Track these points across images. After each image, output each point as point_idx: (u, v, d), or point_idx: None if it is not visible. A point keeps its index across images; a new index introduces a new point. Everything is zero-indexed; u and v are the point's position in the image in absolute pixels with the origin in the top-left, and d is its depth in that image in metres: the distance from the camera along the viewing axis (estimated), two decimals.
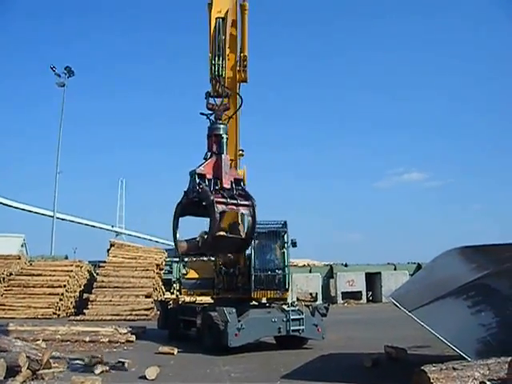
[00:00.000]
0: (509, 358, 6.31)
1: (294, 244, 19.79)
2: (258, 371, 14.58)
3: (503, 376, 6.32)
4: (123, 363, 14.98)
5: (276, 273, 19.58)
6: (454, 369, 6.69)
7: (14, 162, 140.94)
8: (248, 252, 19.72)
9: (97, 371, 13.81)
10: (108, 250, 37.58)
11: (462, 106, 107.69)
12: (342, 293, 44.30)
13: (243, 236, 12.59)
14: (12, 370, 12.08)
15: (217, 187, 12.90)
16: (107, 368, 14.26)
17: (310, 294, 41.60)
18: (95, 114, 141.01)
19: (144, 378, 13.19)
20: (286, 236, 19.83)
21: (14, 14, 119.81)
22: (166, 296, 30.49)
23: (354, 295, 44.72)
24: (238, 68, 18.62)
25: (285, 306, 18.45)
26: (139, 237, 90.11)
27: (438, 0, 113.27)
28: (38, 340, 18.77)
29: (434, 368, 6.69)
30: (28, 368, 12.70)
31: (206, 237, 12.67)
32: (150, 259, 36.24)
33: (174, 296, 23.84)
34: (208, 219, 13.16)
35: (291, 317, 18.02)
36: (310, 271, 44.86)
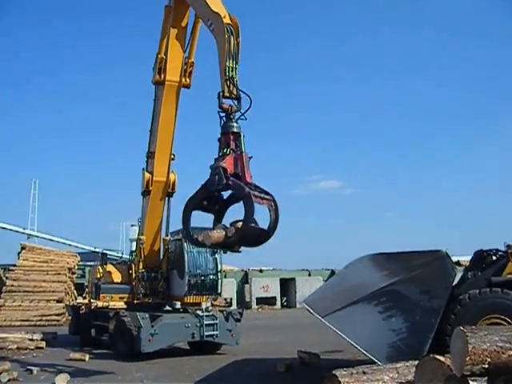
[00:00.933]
0: (416, 362, 6.46)
1: (225, 251, 19.69)
2: (171, 377, 14.47)
3: (411, 379, 6.47)
4: (32, 371, 14.60)
5: (208, 278, 19.55)
6: (364, 373, 6.81)
7: None
8: (172, 257, 19.98)
9: (4, 379, 13.38)
10: (19, 253, 36.39)
11: (376, 115, 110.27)
12: (257, 298, 44.60)
13: (267, 229, 12.57)
14: None
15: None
16: (15, 376, 13.78)
17: (225, 299, 41.53)
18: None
19: None
20: None
21: None
22: (78, 301, 29.81)
23: (269, 301, 45.07)
24: (183, 73, 18.85)
25: (199, 312, 18.37)
26: (52, 240, 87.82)
27: None
28: None
29: (344, 372, 6.79)
30: None
31: (238, 227, 12.47)
32: (63, 263, 35.38)
33: (86, 301, 23.31)
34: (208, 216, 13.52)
35: (205, 322, 17.99)
36: (225, 276, 44.82)
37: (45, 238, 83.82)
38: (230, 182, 12.53)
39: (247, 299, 44.84)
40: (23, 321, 29.62)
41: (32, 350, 19.20)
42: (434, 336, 11.84)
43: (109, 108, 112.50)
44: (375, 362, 10.67)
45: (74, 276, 36.51)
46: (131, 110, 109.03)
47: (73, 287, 35.34)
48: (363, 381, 6.72)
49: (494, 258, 14.24)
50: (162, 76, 18.71)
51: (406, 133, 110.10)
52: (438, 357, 6.21)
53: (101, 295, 20.65)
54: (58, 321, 30.00)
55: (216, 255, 19.72)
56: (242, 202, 12.54)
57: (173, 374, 14.98)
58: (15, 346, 19.26)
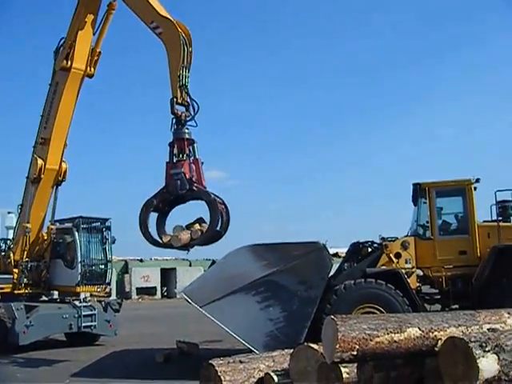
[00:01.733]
0: (292, 350, 6.68)
1: (113, 241, 19.66)
2: (47, 370, 14.19)
3: (287, 367, 6.67)
4: None
5: (99, 267, 19.27)
6: (241, 362, 6.94)
7: None
8: (57, 246, 19.51)
9: None
10: None
11: (259, 109, 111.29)
12: (137, 288, 44.19)
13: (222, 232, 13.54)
14: None
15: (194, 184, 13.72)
16: None
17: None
18: None
19: None
20: (107, 232, 19.56)
21: None
22: None
23: (149, 291, 44.78)
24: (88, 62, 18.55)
25: (77, 302, 18.03)
26: None
27: None
28: None
29: (221, 361, 6.89)
30: None
31: (204, 230, 13.30)
32: None
33: None
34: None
35: (83, 313, 17.72)
36: None
37: None
38: (195, 188, 13.43)
39: (127, 289, 44.32)
40: None
41: None
42: (310, 325, 12.23)
43: None
44: (253, 351, 10.90)
45: None
46: None
47: None
48: (240, 370, 6.85)
49: (370, 249, 14.88)
50: (69, 63, 18.26)
51: (287, 127, 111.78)
52: (312, 345, 6.44)
53: None
54: None
55: (105, 245, 19.48)
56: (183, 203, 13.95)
57: (48, 366, 14.66)
58: None
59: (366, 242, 15.15)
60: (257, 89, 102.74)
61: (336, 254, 31.53)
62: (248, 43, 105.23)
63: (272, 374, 6.74)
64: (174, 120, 14.11)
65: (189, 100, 14.25)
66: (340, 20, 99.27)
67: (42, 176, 19.03)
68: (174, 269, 46.00)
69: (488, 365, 4.42)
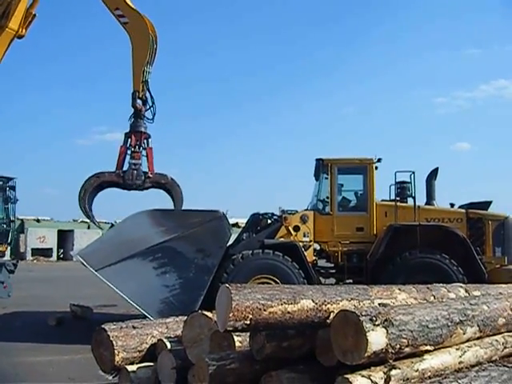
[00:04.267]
0: (185, 318, 6.68)
1: (15, 201, 19.58)
2: None
3: (180, 334, 6.68)
4: None
5: (1, 227, 19.26)
6: (134, 327, 6.88)
7: None
8: None
9: None
10: None
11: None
12: (32, 249, 43.18)
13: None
14: None
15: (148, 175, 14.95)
16: None
17: None
18: None
19: None
20: (10, 192, 19.48)
21: None
22: None
23: (45, 252, 43.91)
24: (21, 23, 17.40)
25: None
26: None
27: None
28: None
29: (113, 326, 6.81)
30: None
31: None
32: None
33: None
34: None
35: None
36: None
37: None
38: (150, 175, 14.81)
39: (22, 250, 43.20)
40: None
41: None
42: (206, 293, 12.28)
43: None
44: (147, 317, 10.85)
45: None
46: None
47: None
48: (133, 335, 6.80)
49: (269, 221, 15.04)
50: (4, 21, 17.32)
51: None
52: (206, 313, 6.46)
53: None
54: None
55: (8, 205, 19.30)
56: None
57: None
58: None
59: (266, 213, 15.31)
60: None
61: (236, 224, 31.78)
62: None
63: (165, 340, 6.74)
64: (133, 112, 15.06)
65: (148, 95, 15.15)
66: None
67: None
68: (72, 231, 45.24)
69: (377, 338, 4.53)
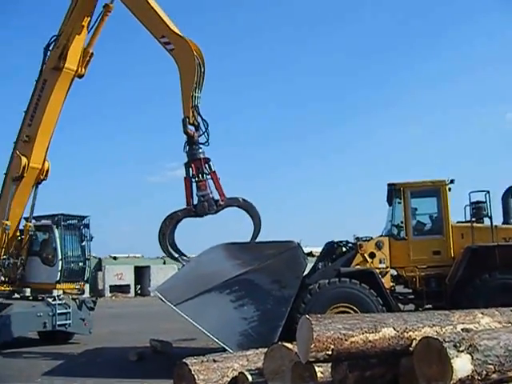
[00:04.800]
0: (266, 349, 6.67)
1: (91, 238, 19.74)
2: (18, 369, 14.07)
3: (261, 366, 6.66)
4: None
5: (78, 265, 19.32)
6: (215, 361, 6.93)
7: None
8: (35, 243, 19.39)
9: None
10: None
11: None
12: (110, 286, 43.97)
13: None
14: None
15: (219, 202, 14.72)
16: None
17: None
18: None
19: None
20: (85, 230, 19.66)
21: None
22: None
23: (123, 288, 44.59)
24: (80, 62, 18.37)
25: (50, 300, 17.86)
26: None
27: None
28: None
29: (194, 360, 6.87)
30: None
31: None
32: None
33: None
34: None
35: (58, 311, 17.56)
36: None
37: None
38: (222, 203, 14.53)
39: (100, 287, 44.07)
40: None
41: None
42: (284, 324, 12.23)
43: None
44: (226, 350, 10.88)
45: None
46: None
47: None
48: (213, 369, 6.83)
49: (344, 249, 14.93)
50: (62, 63, 18.10)
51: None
52: (286, 344, 6.44)
53: None
54: None
55: (84, 243, 19.53)
56: None
57: (20, 365, 14.58)
58: None
59: (341, 241, 15.19)
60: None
61: (310, 254, 31.62)
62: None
63: (246, 373, 6.73)
64: (187, 139, 14.81)
65: (200, 120, 14.90)
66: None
67: (25, 174, 18.77)
68: (148, 267, 45.87)
69: (462, 365, 4.44)
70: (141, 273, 45.90)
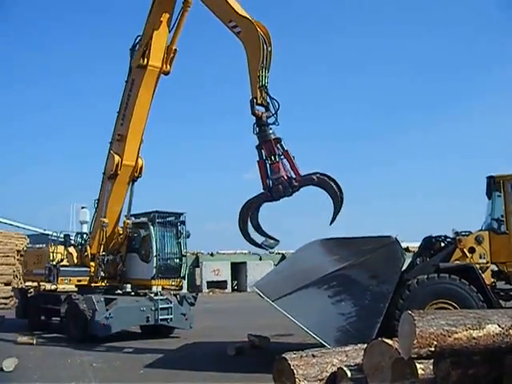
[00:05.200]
0: (365, 345, 6.61)
1: (188, 235, 19.99)
2: (122, 361, 14.50)
3: (360, 362, 6.61)
4: None
5: (174, 262, 19.62)
6: (314, 356, 6.93)
7: None
8: (133, 240, 20.00)
9: None
10: None
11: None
12: (208, 282, 44.61)
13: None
14: None
15: (293, 183, 14.34)
16: None
17: None
18: None
19: (1, 369, 12.72)
20: (182, 227, 19.88)
21: None
22: (26, 284, 29.35)
23: (220, 284, 45.13)
24: (164, 59, 18.81)
25: (152, 295, 18.34)
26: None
27: None
28: None
29: (294, 355, 6.89)
30: None
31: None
32: (11, 245, 34.70)
33: (35, 284, 23.09)
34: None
35: (160, 306, 18.01)
36: None
37: None
38: (296, 184, 14.15)
39: (198, 283, 44.83)
40: None
41: None
42: (382, 320, 12.08)
43: (46, 87, 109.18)
44: (324, 346, 10.85)
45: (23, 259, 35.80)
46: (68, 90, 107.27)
47: (21, 270, 34.73)
48: (312, 364, 6.84)
49: (443, 244, 14.56)
50: (145, 60, 18.65)
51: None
52: (386, 340, 6.36)
53: (59, 278, 20.33)
54: (5, 304, 29.50)
55: (180, 239, 19.79)
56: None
57: (124, 357, 15.01)
58: None
59: (439, 236, 14.80)
60: None
61: (407, 249, 31.05)
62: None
63: (345, 368, 6.70)
64: (255, 121, 14.54)
65: (269, 100, 14.50)
66: None
67: (119, 172, 19.45)
68: (245, 263, 46.21)
69: None
70: (237, 269, 46.34)
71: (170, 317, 18.24)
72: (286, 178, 14.22)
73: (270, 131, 14.44)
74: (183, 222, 19.94)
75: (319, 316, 12.24)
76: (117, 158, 19.42)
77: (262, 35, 14.73)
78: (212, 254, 47.90)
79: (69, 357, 14.78)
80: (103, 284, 19.71)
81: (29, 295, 22.31)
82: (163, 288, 19.35)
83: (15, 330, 19.84)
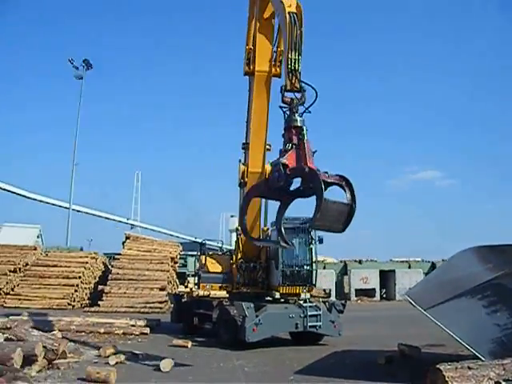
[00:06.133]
0: None
1: (320, 241, 19.74)
2: (272, 366, 14.73)
3: None
4: (138, 355, 15.15)
5: (303, 268, 19.48)
6: (470, 368, 6.74)
7: (31, 154, 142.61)
8: (272, 248, 19.80)
9: (111, 362, 13.97)
10: (123, 243, 37.68)
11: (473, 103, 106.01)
12: (356, 290, 44.25)
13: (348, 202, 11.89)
14: (28, 359, 12.30)
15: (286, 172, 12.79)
16: (122, 359, 14.39)
17: (324, 290, 41.57)
18: (112, 107, 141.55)
19: (158, 369, 13.39)
20: (313, 232, 19.60)
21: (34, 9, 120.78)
22: (179, 289, 30.52)
23: (368, 292, 44.63)
24: (273, 62, 18.62)
25: (301, 302, 18.47)
26: (154, 230, 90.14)
27: None
28: (54, 330, 18.93)
29: (449, 367, 6.73)
30: (44, 357, 12.96)
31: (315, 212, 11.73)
32: (165, 252, 36.35)
33: (188, 289, 23.92)
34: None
35: (309, 313, 18.08)
36: (324, 267, 44.59)
37: (147, 228, 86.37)
38: (289, 172, 12.33)
39: (346, 290, 44.58)
40: (128, 307, 30.50)
41: (137, 335, 19.89)
42: None
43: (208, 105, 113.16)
44: (478, 358, 10.47)
45: (176, 265, 37.30)
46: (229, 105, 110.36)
47: (175, 276, 36.17)
48: (468, 376, 6.66)
49: None
50: (251, 67, 18.82)
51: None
52: None
53: (201, 284, 21.03)
54: (160, 308, 30.67)
55: (311, 246, 19.62)
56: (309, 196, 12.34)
57: (273, 363, 15.22)
58: (121, 332, 20.05)
59: None
60: None
61: None
62: None
63: (503, 382, 6.46)
64: (286, 109, 13.33)
65: (303, 85, 13.18)
66: None
67: (246, 180, 19.60)
68: (393, 271, 45.42)
69: None
70: (386, 277, 45.61)
71: (318, 324, 18.23)
72: (286, 166, 12.49)
73: (296, 118, 13.03)
74: None
75: (473, 326, 11.83)
76: (242, 166, 19.78)
77: (293, 14, 13.75)
78: (360, 262, 47.49)
79: (221, 360, 15.19)
80: (246, 291, 19.96)
81: (183, 300, 23.14)
82: (311, 295, 19.40)
83: (170, 333, 20.73)
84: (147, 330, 20.53)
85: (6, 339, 14.04)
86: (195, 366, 14.41)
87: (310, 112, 13.08)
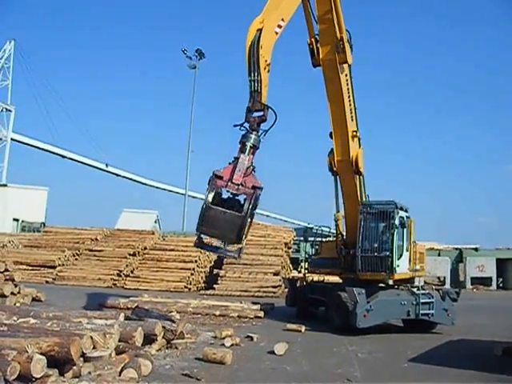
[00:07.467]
0: None
1: (402, 225, 19.02)
2: (385, 353, 14.79)
3: None
4: (252, 338, 15.59)
5: (383, 254, 18.68)
6: None
7: (149, 142, 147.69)
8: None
9: (227, 344, 14.46)
10: None
11: None
12: (471, 278, 43.14)
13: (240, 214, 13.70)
14: (148, 338, 13.01)
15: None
16: (237, 341, 14.85)
17: (438, 277, 40.90)
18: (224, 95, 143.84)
19: (272, 353, 13.76)
20: (395, 217, 18.82)
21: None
22: (293, 274, 30.82)
23: (484, 281, 43.39)
24: (335, 50, 18.47)
25: (414, 289, 18.39)
26: (268, 215, 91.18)
27: None
28: (172, 312, 19.76)
29: None
30: (163, 337, 13.62)
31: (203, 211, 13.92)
32: (279, 238, 36.70)
33: (301, 274, 24.21)
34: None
35: (421, 300, 18.04)
36: (439, 255, 43.75)
37: (262, 214, 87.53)
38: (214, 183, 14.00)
39: (461, 279, 43.53)
40: (242, 291, 31.02)
41: (251, 318, 20.35)
42: None
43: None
44: None
45: (290, 250, 37.64)
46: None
47: (288, 261, 36.53)
48: None
49: None
50: (316, 58, 18.99)
51: None
52: None
53: (310, 269, 21.26)
54: (274, 293, 31.00)
55: (393, 230, 18.67)
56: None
57: (386, 349, 15.29)
58: (236, 315, 20.60)
59: None
60: None
61: None
62: None
63: None
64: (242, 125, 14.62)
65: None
66: None
67: (335, 168, 20.04)
68: (511, 259, 43.92)
69: None
70: (503, 265, 44.16)
71: (431, 312, 18.13)
72: (217, 176, 14.09)
73: (251, 136, 14.41)
74: (395, 212, 18.83)
75: None
76: (330, 155, 20.10)
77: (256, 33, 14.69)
78: (476, 249, 46.19)
79: (334, 346, 15.40)
80: (350, 276, 19.68)
81: (297, 285, 23.50)
82: (425, 282, 19.24)
83: (284, 317, 21.09)
84: (261, 314, 20.97)
85: (127, 318, 14.88)
86: (308, 350, 14.72)
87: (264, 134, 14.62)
